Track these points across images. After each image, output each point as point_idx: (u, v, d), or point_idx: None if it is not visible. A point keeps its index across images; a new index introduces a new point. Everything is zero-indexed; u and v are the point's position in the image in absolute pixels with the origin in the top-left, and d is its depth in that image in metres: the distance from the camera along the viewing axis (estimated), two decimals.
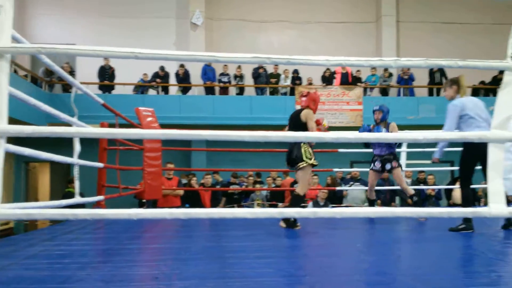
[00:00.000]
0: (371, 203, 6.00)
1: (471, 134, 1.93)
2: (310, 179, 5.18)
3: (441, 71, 13.07)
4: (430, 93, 13.41)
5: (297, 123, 4.86)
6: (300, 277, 2.43)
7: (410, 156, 8.85)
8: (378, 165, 5.69)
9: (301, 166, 4.76)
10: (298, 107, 12.60)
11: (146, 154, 6.46)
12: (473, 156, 4.19)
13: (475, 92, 13.83)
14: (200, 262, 2.81)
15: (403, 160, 8.17)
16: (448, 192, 9.96)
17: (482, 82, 13.78)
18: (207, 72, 12.49)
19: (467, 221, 4.24)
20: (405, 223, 5.20)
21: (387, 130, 5.73)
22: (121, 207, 2.20)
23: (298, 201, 4.79)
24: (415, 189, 9.72)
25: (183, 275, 2.44)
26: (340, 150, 8.13)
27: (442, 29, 14.91)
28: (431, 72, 13.21)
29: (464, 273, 2.59)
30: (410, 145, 8.01)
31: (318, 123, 5.06)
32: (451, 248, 3.49)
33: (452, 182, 9.87)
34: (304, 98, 5.04)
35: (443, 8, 14.95)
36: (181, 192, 8.03)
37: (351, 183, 9.96)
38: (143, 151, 6.47)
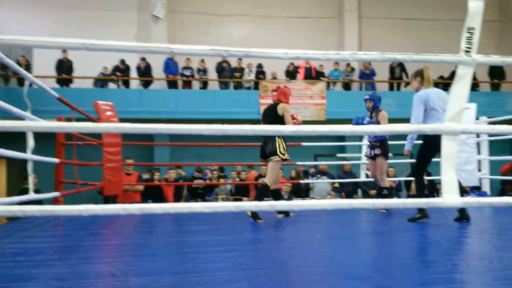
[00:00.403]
0: (380, 192, 5.77)
1: (425, 127, 1.96)
2: (280, 173, 5.26)
3: (401, 66, 13.35)
4: (391, 88, 13.68)
5: (273, 117, 4.92)
6: (260, 270, 2.42)
7: None
8: (368, 151, 5.80)
9: (273, 160, 4.87)
10: (263, 101, 12.79)
11: (105, 149, 6.31)
12: (430, 148, 4.28)
13: (435, 86, 14.21)
14: (158, 258, 2.76)
15: (363, 152, 8.30)
16: (408, 184, 10.19)
17: (441, 77, 14.16)
18: (170, 65, 12.31)
19: (421, 210, 4.37)
20: (367, 215, 5.29)
21: (377, 119, 5.77)
22: (84, 203, 2.12)
23: (263, 191, 4.87)
24: (375, 182, 10.02)
25: (140, 271, 2.40)
26: (304, 143, 8.17)
27: (402, 25, 15.23)
28: (391, 67, 13.48)
29: (421, 262, 2.65)
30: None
31: (292, 117, 5.15)
32: (409, 239, 3.57)
33: (412, 174, 10.13)
34: (274, 93, 5.17)
35: (404, 5, 15.27)
36: (140, 187, 7.89)
37: (318, 176, 10.08)
38: (102, 146, 6.32)
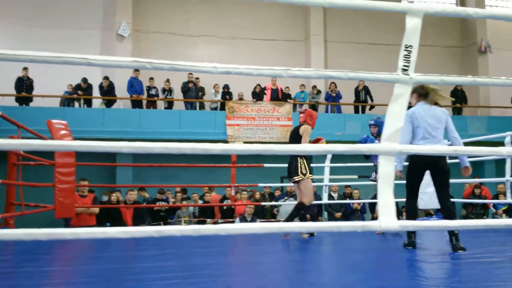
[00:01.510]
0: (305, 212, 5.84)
1: (363, 146, 1.89)
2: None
3: (366, 89, 13.54)
4: (356, 111, 13.82)
5: (295, 138, 5.22)
6: None
7: (337, 171, 9.01)
8: (374, 175, 5.88)
9: (297, 179, 5.19)
10: (229, 122, 12.71)
11: (57, 170, 6.05)
12: (415, 168, 4.14)
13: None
14: (94, 286, 2.58)
15: (326, 175, 8.28)
16: (372, 206, 10.17)
17: None
18: (134, 84, 12.10)
19: (409, 237, 4.16)
20: (333, 238, 5.19)
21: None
22: (42, 226, 1.93)
23: (299, 210, 5.25)
24: (342, 204, 9.99)
25: None
26: (266, 165, 8.08)
27: (367, 50, 15.49)
28: (357, 91, 13.66)
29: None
30: (334, 160, 8.13)
31: (318, 140, 5.38)
32: (357, 262, 3.49)
33: (376, 196, 10.15)
34: (302, 115, 5.43)
35: (368, 30, 15.55)
36: (96, 210, 7.60)
37: (285, 198, 9.99)
38: (54, 166, 6.06)
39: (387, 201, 1.87)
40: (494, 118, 14.33)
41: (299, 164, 5.13)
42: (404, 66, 1.92)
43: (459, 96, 14.30)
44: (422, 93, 4.12)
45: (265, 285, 2.71)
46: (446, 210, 4.11)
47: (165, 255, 4.00)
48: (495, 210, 10.18)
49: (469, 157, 4.86)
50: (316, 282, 2.78)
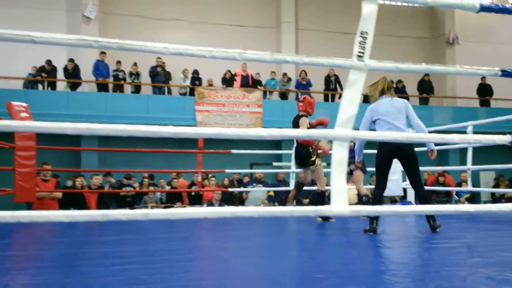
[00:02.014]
0: (360, 199, 6.38)
1: (317, 132, 1.89)
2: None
3: (336, 78, 13.63)
4: (326, 99, 13.91)
5: (296, 127, 5.44)
6: (149, 285, 2.25)
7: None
8: (352, 166, 6.15)
9: (312, 169, 5.58)
10: (198, 107, 12.60)
11: (17, 153, 5.87)
12: (382, 157, 4.29)
13: (366, 99, 14.61)
14: (42, 272, 2.52)
15: (293, 162, 8.31)
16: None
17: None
18: (100, 67, 11.81)
19: (371, 223, 4.26)
20: (304, 225, 5.24)
21: None
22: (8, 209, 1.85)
23: (322, 197, 5.66)
24: (309, 191, 10.07)
25: (14, 286, 2.15)
26: (234, 151, 8.06)
27: (338, 39, 15.53)
28: (327, 79, 13.73)
29: (319, 273, 2.59)
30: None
31: (321, 121, 5.67)
32: (318, 249, 3.53)
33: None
34: (301, 103, 5.63)
35: (340, 19, 15.58)
36: (58, 195, 7.44)
37: (254, 184, 10.01)
38: (14, 149, 5.88)
39: (339, 187, 1.88)
40: (459, 108, 14.67)
41: (311, 153, 5.51)
42: (359, 52, 1.92)
43: (426, 87, 14.57)
44: (381, 88, 4.39)
45: (223, 269, 2.71)
46: (421, 197, 4.32)
47: (126, 240, 3.97)
48: (457, 198, 10.48)
49: (436, 145, 4.99)
50: (276, 266, 2.79)
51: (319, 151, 5.63)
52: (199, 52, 1.75)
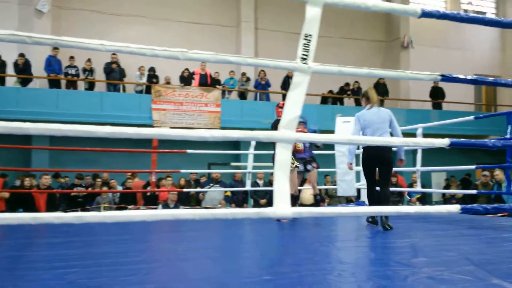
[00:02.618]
0: (315, 197, 6.66)
1: (260, 133, 1.87)
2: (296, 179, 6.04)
3: None
4: (284, 99, 13.98)
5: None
6: None
7: (264, 158, 9.09)
8: (301, 166, 6.38)
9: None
10: (155, 106, 12.38)
11: None
12: (367, 159, 4.77)
13: (324, 100, 14.81)
14: None
15: (249, 162, 8.34)
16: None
17: (331, 91, 14.82)
18: (52, 63, 11.41)
19: (372, 216, 4.92)
20: (265, 226, 5.23)
21: None
22: None
23: (294, 199, 5.57)
24: (266, 191, 10.09)
25: None
26: (189, 151, 7.97)
27: (297, 39, 15.55)
28: (286, 80, 13.82)
29: (269, 275, 2.59)
30: (258, 148, 8.17)
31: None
32: (269, 248, 3.53)
33: (301, 183, 10.30)
34: (281, 109, 5.89)
35: (298, 19, 15.65)
36: (5, 195, 7.15)
37: (211, 184, 9.94)
38: None
39: (282, 188, 1.87)
40: (413, 111, 15.10)
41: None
42: (303, 55, 1.92)
43: (381, 89, 14.91)
44: (367, 97, 4.84)
45: (169, 272, 2.66)
46: (383, 196, 4.74)
47: (73, 242, 3.85)
48: (409, 198, 10.79)
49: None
50: (224, 268, 2.77)
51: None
52: (138, 50, 1.70)
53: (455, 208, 2.07)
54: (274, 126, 5.73)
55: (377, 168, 4.81)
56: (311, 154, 6.58)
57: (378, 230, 4.56)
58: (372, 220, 5.03)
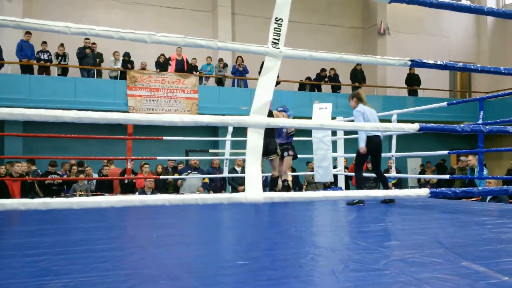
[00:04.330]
0: (283, 183, 6.72)
1: (230, 118, 1.86)
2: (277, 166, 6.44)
3: None
4: None
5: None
6: (60, 276, 2.15)
7: (239, 145, 9.09)
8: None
9: (273, 158, 6.21)
10: (130, 92, 12.19)
11: None
12: (371, 148, 5.54)
13: (302, 87, 14.84)
14: None
15: (227, 149, 8.33)
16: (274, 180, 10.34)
17: (308, 78, 14.85)
18: (24, 48, 11.12)
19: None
20: (244, 211, 5.25)
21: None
22: None
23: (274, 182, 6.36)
24: (244, 178, 10.09)
25: None
26: (165, 137, 7.90)
27: None
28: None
29: (243, 261, 2.60)
30: (236, 134, 8.15)
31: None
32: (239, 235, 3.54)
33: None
34: None
35: (274, 4, 15.62)
36: None
37: (189, 171, 9.88)
38: None
39: (253, 174, 1.87)
40: (389, 97, 15.27)
41: (277, 144, 6.19)
42: (274, 39, 1.90)
43: (358, 76, 15.02)
44: (360, 97, 5.77)
45: (141, 259, 2.64)
46: (382, 179, 5.82)
47: (45, 230, 3.79)
48: None
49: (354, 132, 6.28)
50: (198, 254, 2.77)
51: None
52: (104, 33, 1.66)
53: (424, 192, 2.10)
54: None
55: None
56: (289, 141, 6.68)
57: (356, 213, 4.59)
58: (359, 200, 5.43)
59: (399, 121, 7.14)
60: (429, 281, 1.98)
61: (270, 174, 6.57)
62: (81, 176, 9.31)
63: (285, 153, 6.63)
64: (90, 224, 4.19)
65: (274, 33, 1.91)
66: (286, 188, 6.63)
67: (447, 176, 8.29)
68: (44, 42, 11.37)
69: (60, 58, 11.63)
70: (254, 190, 1.85)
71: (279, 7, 1.89)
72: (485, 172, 7.53)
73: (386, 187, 5.96)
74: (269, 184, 6.58)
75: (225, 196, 1.81)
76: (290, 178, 6.92)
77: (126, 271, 2.30)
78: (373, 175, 10.40)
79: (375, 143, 5.58)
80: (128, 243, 3.27)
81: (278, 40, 1.91)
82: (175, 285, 2.00)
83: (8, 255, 2.67)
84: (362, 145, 5.70)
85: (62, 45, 11.53)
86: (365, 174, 9.89)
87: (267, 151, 6.14)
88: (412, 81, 15.53)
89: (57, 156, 9.78)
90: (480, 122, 6.16)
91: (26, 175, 8.52)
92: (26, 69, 11.27)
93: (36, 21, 1.63)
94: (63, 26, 1.60)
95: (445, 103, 6.99)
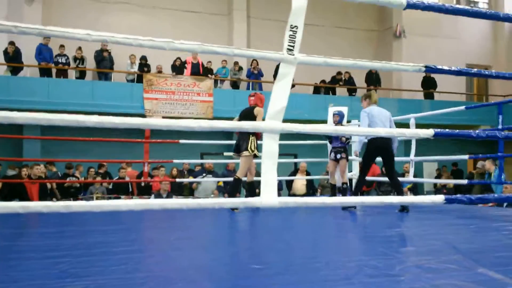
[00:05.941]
0: (333, 188, 6.79)
1: (245, 123, 1.89)
2: (252, 167, 6.12)
3: None
4: None
5: (251, 119, 5.63)
6: (80, 278, 2.20)
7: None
8: (333, 155, 6.65)
9: (244, 155, 5.70)
10: (147, 95, 12.31)
11: None
12: (371, 151, 5.41)
13: (316, 90, 14.81)
14: None
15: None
16: (289, 183, 10.33)
17: (323, 81, 14.82)
18: (43, 51, 11.31)
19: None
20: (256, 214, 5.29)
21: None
22: None
23: (235, 185, 5.87)
24: (260, 181, 10.13)
25: None
26: (182, 141, 7.97)
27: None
28: (278, 69, 13.78)
29: (257, 264, 2.62)
30: None
31: None
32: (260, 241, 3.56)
33: (294, 173, 10.31)
34: (252, 98, 5.96)
35: (289, 8, 15.60)
36: None
37: (204, 174, 9.93)
38: None
39: (270, 179, 1.89)
40: (404, 100, 15.14)
41: (249, 141, 5.67)
42: (289, 46, 1.93)
43: (373, 79, 14.94)
44: (369, 98, 5.64)
45: (161, 261, 2.68)
46: (395, 185, 5.50)
47: (64, 232, 3.86)
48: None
49: None
50: (216, 257, 2.80)
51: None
52: (124, 40, 1.71)
53: (439, 198, 2.10)
54: (248, 113, 5.83)
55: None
56: (343, 145, 6.66)
57: (371, 218, 4.57)
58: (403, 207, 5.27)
59: (416, 125, 7.08)
60: (445, 287, 1.98)
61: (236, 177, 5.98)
62: (98, 178, 9.43)
63: (338, 155, 6.61)
64: (108, 227, 4.24)
65: (289, 40, 1.93)
66: (345, 191, 6.59)
67: (465, 181, 8.20)
68: (62, 46, 11.55)
69: (78, 61, 11.82)
70: (269, 194, 1.87)
71: (294, 14, 1.92)
72: (502, 177, 7.44)
73: (400, 194, 5.61)
74: (247, 190, 6.29)
75: (240, 201, 1.84)
76: (347, 180, 6.79)
77: (144, 273, 2.34)
78: (387, 179, 10.37)
79: (378, 146, 5.35)
80: (147, 246, 3.32)
81: (293, 46, 1.94)
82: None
83: (28, 257, 2.73)
84: (355, 148, 5.74)
85: (80, 48, 11.70)
86: (379, 178, 9.94)
87: (239, 149, 5.88)
88: (428, 84, 15.38)
89: (75, 159, 9.92)
90: (500, 127, 6.09)
91: (45, 178, 8.67)
92: (45, 72, 11.48)
93: (58, 29, 1.68)
94: (84, 33, 1.65)
95: (463, 107, 6.92)
